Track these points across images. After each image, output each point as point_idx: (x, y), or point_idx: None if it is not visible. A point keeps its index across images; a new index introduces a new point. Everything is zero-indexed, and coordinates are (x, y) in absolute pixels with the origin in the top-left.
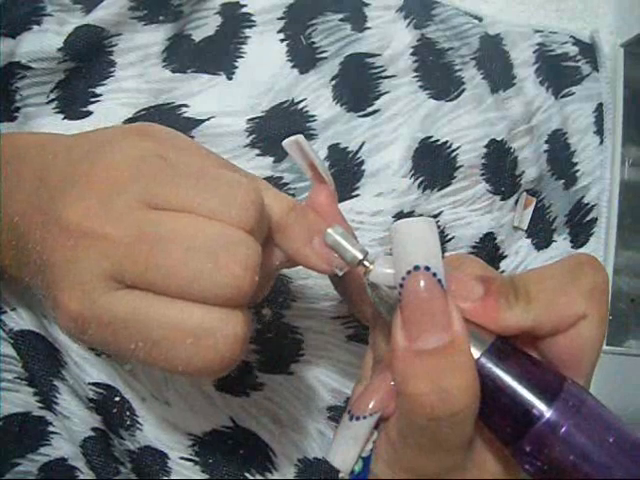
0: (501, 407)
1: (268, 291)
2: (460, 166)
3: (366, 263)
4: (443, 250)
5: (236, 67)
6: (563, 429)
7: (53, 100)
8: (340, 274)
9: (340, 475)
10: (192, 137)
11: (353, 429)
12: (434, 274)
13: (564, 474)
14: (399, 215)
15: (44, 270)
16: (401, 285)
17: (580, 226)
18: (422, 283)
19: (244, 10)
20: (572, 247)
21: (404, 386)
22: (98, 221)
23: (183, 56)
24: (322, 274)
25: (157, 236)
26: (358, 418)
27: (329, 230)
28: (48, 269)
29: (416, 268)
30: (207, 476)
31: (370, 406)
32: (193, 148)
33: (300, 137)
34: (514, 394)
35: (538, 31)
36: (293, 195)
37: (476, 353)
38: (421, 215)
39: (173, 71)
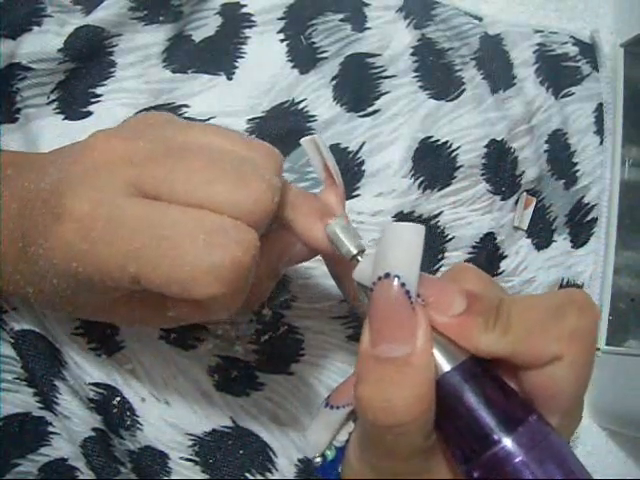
0: (459, 426)
1: (269, 292)
2: (460, 166)
3: (359, 259)
4: (443, 250)
5: (236, 67)
6: (515, 461)
7: (53, 101)
8: (348, 256)
9: (310, 456)
10: None
11: (327, 416)
12: (403, 284)
13: None
14: (399, 215)
15: (53, 191)
16: (371, 289)
17: (580, 226)
18: (389, 291)
19: (244, 10)
20: (572, 247)
21: (356, 387)
22: (125, 136)
23: (183, 56)
24: (327, 257)
25: (184, 149)
26: (332, 407)
27: (331, 221)
28: (62, 183)
29: (387, 275)
30: (207, 476)
31: (346, 397)
32: (213, 129)
33: (317, 136)
34: (475, 415)
35: (538, 31)
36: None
37: (445, 367)
38: (421, 215)
39: (173, 71)
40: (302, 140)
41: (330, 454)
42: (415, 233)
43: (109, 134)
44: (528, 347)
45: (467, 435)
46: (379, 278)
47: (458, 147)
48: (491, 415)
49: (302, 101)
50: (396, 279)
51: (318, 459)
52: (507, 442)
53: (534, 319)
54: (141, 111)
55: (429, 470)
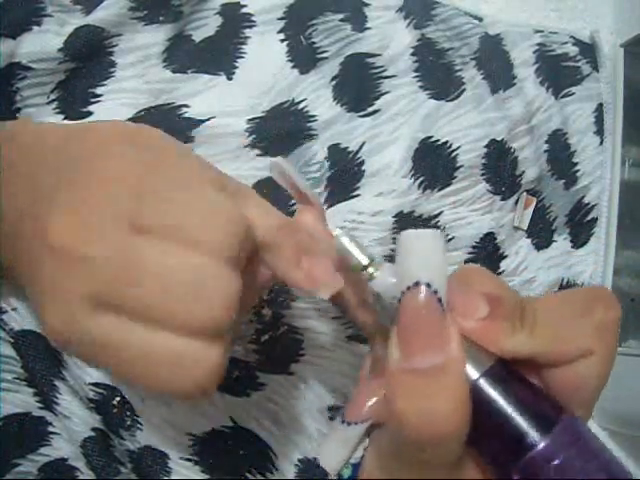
0: (494, 432)
1: (253, 305)
2: (460, 166)
3: (371, 270)
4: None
5: (236, 67)
6: (556, 461)
7: (53, 101)
8: (326, 297)
9: (329, 476)
10: (192, 137)
11: (344, 433)
12: (435, 291)
13: None
14: (399, 215)
15: (31, 283)
16: (400, 299)
17: (580, 226)
18: (421, 300)
19: (244, 10)
20: (572, 247)
21: (392, 402)
22: (80, 241)
23: (183, 56)
24: (309, 295)
25: (137, 263)
26: (349, 423)
27: (337, 231)
28: (35, 282)
29: (417, 284)
30: (207, 476)
31: (363, 413)
32: (187, 160)
33: (279, 160)
34: (509, 420)
35: (538, 31)
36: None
37: (474, 374)
38: (421, 215)
39: (173, 71)
40: (269, 164)
41: (347, 472)
42: (437, 238)
43: (68, 232)
44: (557, 345)
45: (502, 440)
46: (408, 288)
47: (458, 147)
48: (525, 418)
49: (302, 101)
50: (426, 287)
51: (334, 477)
52: (544, 444)
53: (561, 317)
54: (141, 111)
55: (460, 476)
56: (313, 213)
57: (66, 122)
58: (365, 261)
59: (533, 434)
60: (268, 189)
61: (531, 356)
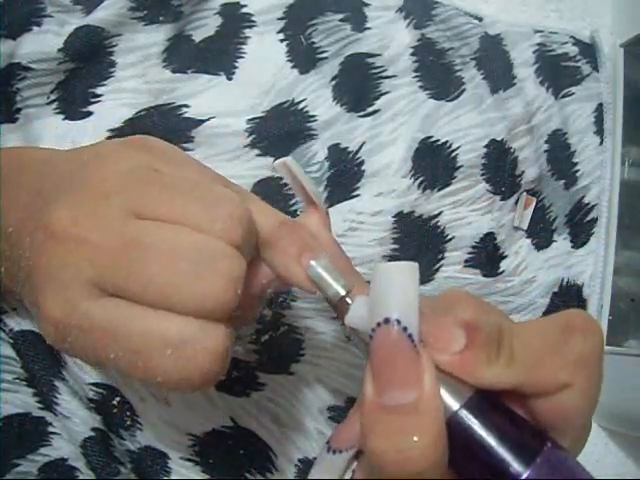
0: (477, 463)
1: (258, 312)
2: (460, 166)
3: (348, 300)
4: (443, 250)
5: (236, 67)
6: None
7: (53, 101)
8: (334, 301)
9: None
10: (192, 137)
11: (331, 461)
12: (405, 328)
13: None
14: (399, 215)
15: (30, 276)
16: (371, 337)
17: (580, 226)
18: (392, 337)
19: (244, 10)
20: (572, 247)
21: (367, 439)
22: (84, 228)
23: (183, 56)
24: (310, 293)
25: (140, 245)
26: (335, 452)
27: (312, 262)
28: (34, 273)
29: (387, 320)
30: (207, 476)
31: (348, 440)
32: (188, 162)
33: (289, 159)
34: (490, 451)
35: (538, 31)
36: (293, 195)
37: (454, 404)
38: (421, 215)
39: (173, 71)
40: (274, 164)
41: None
42: (409, 272)
43: (70, 219)
44: (535, 378)
45: (485, 471)
46: (378, 324)
47: (458, 147)
48: (506, 449)
49: (302, 101)
50: (397, 324)
51: None
52: (526, 475)
53: (538, 348)
54: (141, 111)
55: None
56: (317, 216)
57: (67, 122)
58: (342, 292)
59: (515, 465)
60: (268, 189)
61: (509, 387)
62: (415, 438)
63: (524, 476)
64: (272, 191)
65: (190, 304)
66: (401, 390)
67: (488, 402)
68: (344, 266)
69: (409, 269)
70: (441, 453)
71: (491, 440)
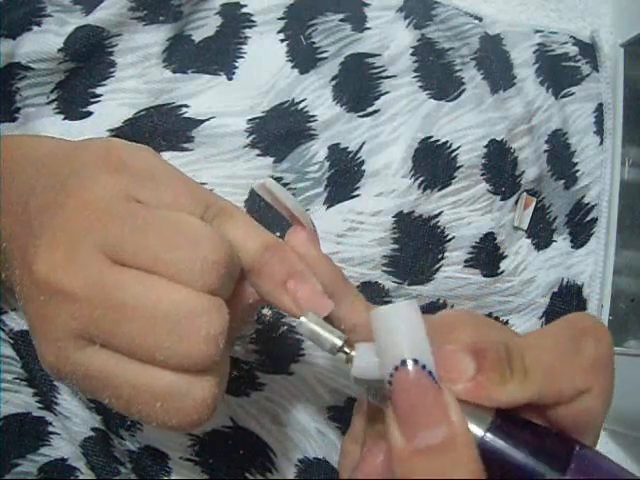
0: None
1: (251, 324)
2: (460, 166)
3: (347, 349)
4: (443, 250)
5: (236, 67)
6: None
7: (53, 101)
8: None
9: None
10: (192, 137)
11: None
12: (423, 366)
13: None
14: (399, 215)
15: (25, 311)
16: (390, 382)
17: (580, 226)
18: (412, 379)
19: (244, 10)
20: (572, 247)
21: None
22: (63, 276)
23: (183, 56)
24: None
25: (118, 302)
26: None
27: (302, 319)
28: (26, 313)
29: (404, 363)
30: (207, 476)
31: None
32: (167, 180)
33: (268, 181)
34: (524, 468)
35: (538, 31)
36: (293, 195)
37: (478, 431)
38: (421, 215)
39: (173, 71)
40: (254, 186)
41: None
42: (412, 310)
43: (49, 267)
44: (552, 388)
45: None
46: (396, 369)
47: (458, 147)
48: (539, 462)
49: (302, 101)
50: (414, 363)
51: None
52: None
53: (550, 358)
54: (141, 111)
55: None
56: (303, 235)
57: (66, 122)
58: (339, 342)
59: (551, 475)
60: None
61: (527, 402)
62: (458, 474)
63: None
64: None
65: (173, 361)
66: (431, 429)
67: (509, 420)
68: (335, 280)
69: (411, 307)
70: None
71: (522, 456)
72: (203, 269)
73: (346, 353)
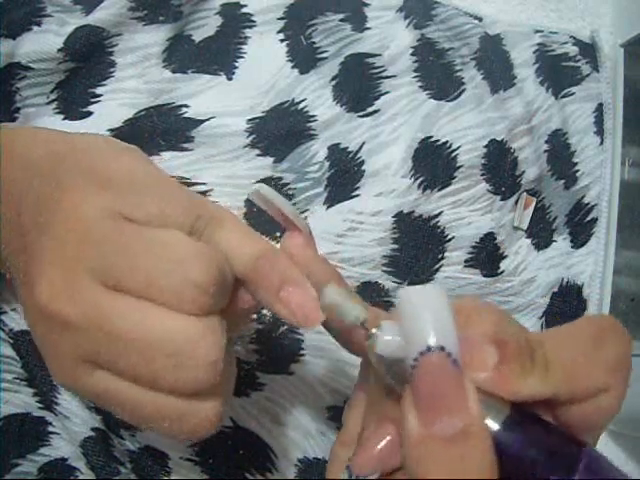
0: (524, 478)
1: (250, 324)
2: (460, 166)
3: (369, 328)
4: (443, 250)
5: (236, 67)
6: None
7: (53, 101)
8: (309, 329)
9: None
10: (192, 137)
11: None
12: (449, 354)
13: None
14: (399, 215)
15: (32, 332)
16: (413, 366)
17: (580, 226)
18: (437, 366)
19: (244, 10)
20: (572, 247)
21: (420, 471)
22: (63, 306)
23: (183, 56)
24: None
25: (115, 330)
26: (358, 476)
27: (325, 290)
28: (33, 334)
29: (429, 349)
30: (207, 476)
31: (371, 464)
32: (153, 191)
33: (263, 187)
34: (535, 465)
35: (538, 31)
36: (293, 195)
37: (493, 425)
38: (420, 215)
39: (173, 71)
40: (249, 195)
41: None
42: (440, 294)
43: (49, 295)
44: (573, 384)
45: None
46: (421, 353)
47: (458, 147)
48: (549, 461)
49: (302, 101)
50: (440, 350)
51: None
52: None
53: (573, 354)
54: (141, 111)
55: None
56: (299, 240)
57: (66, 122)
58: (363, 316)
59: (561, 475)
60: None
61: (546, 396)
62: (470, 465)
63: None
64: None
65: (175, 388)
66: (450, 418)
67: (524, 416)
68: (332, 281)
69: (440, 291)
70: (496, 474)
71: (533, 454)
72: (193, 294)
73: (367, 329)
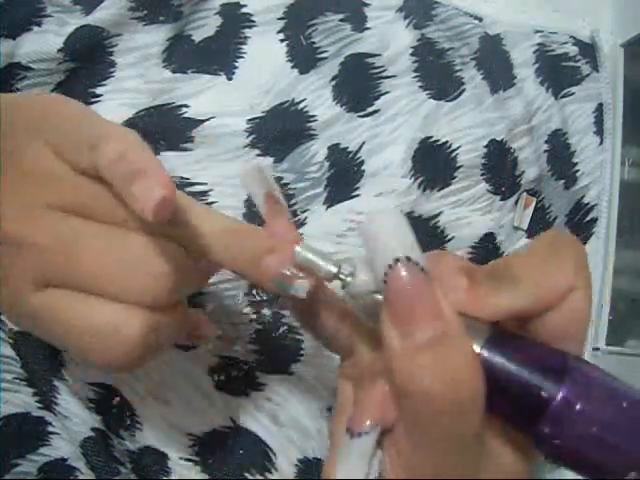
0: (512, 396)
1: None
2: (460, 166)
3: (342, 276)
4: (443, 250)
5: (236, 67)
6: (579, 404)
7: None
8: (303, 296)
9: None
10: (192, 137)
11: (356, 446)
12: (416, 263)
13: (589, 448)
14: None
15: None
16: (385, 281)
17: (580, 226)
18: (406, 274)
19: (244, 10)
20: None
21: (409, 384)
22: (25, 230)
23: (183, 56)
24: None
25: (73, 244)
26: (360, 434)
27: (297, 248)
28: None
29: (397, 260)
30: (207, 476)
31: (370, 419)
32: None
33: (261, 163)
34: (523, 380)
35: (538, 31)
36: (293, 195)
37: (475, 346)
38: (420, 215)
39: (173, 71)
40: (241, 172)
41: None
42: (397, 214)
43: (16, 221)
44: (543, 288)
45: (522, 402)
46: (389, 267)
47: (458, 147)
48: (537, 373)
49: (302, 101)
50: (407, 260)
51: None
52: (562, 393)
53: (536, 262)
54: (141, 111)
55: (488, 452)
56: (283, 221)
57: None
58: (335, 268)
59: (549, 386)
60: None
61: (522, 309)
62: (456, 364)
63: (560, 395)
64: None
65: (124, 294)
66: (427, 324)
67: (505, 335)
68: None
69: (396, 212)
70: (482, 377)
71: (520, 370)
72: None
73: (341, 279)
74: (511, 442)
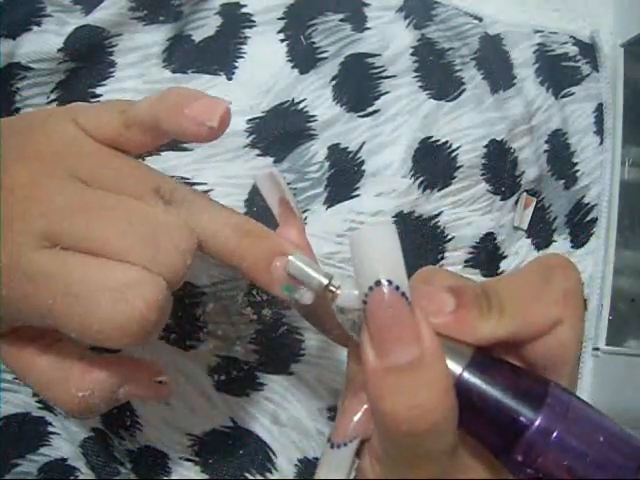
0: (489, 420)
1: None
2: (460, 166)
3: (332, 288)
4: (443, 250)
5: (236, 67)
6: (554, 435)
7: (53, 101)
8: (308, 302)
9: None
10: None
11: (336, 456)
12: (397, 287)
13: (560, 478)
14: (399, 215)
15: None
16: (365, 302)
17: (580, 226)
18: (385, 298)
19: (244, 10)
20: (572, 247)
21: (378, 404)
22: (44, 189)
23: (183, 56)
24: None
25: (95, 209)
26: (339, 446)
27: (290, 258)
28: None
29: (377, 283)
30: (207, 476)
31: (349, 432)
32: (113, 159)
33: (274, 170)
34: (500, 406)
35: (538, 31)
36: (294, 195)
37: (457, 368)
38: (421, 215)
39: (173, 71)
40: (256, 176)
41: None
42: (388, 231)
43: (30, 177)
44: (528, 320)
45: (498, 426)
46: (370, 288)
47: (458, 147)
48: (515, 400)
49: (302, 101)
50: (388, 284)
51: None
52: (539, 421)
53: (524, 292)
54: None
55: (460, 465)
56: (297, 229)
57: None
58: (325, 280)
59: (526, 414)
60: None
61: (506, 337)
62: (424, 392)
63: (536, 423)
64: None
65: (140, 259)
66: (402, 348)
67: (487, 359)
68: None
69: (388, 229)
70: (451, 404)
71: (500, 394)
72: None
73: (332, 292)
74: (485, 458)
